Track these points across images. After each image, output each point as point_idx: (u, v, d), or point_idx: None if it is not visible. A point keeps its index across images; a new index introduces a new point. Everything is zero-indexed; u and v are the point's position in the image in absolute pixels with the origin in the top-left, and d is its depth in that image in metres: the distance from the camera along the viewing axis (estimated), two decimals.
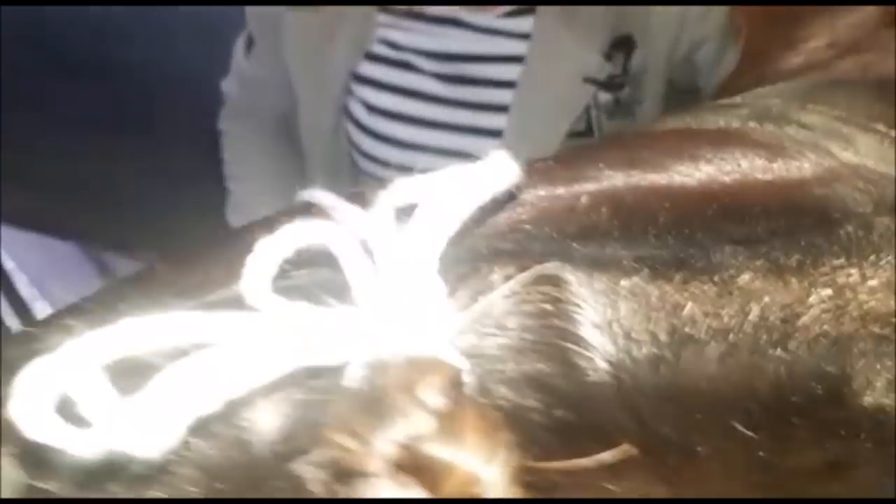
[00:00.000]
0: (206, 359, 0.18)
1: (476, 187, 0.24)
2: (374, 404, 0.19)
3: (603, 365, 0.23)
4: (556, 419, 0.22)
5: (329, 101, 0.97)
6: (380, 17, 0.92)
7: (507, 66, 0.92)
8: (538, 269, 0.23)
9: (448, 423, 0.18)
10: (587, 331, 0.23)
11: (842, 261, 0.24)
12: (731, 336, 0.23)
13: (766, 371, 0.23)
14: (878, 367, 0.23)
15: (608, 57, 0.90)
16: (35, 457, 0.18)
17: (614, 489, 0.23)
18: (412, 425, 0.18)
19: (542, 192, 0.29)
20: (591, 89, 0.90)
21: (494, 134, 0.92)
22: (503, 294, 0.22)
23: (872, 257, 0.25)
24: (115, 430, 0.17)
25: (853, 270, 0.24)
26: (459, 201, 0.24)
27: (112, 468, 0.18)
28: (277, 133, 1.05)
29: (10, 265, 1.07)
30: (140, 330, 0.18)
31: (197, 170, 1.07)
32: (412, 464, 0.18)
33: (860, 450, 0.24)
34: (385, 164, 0.95)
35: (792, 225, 0.26)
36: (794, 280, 0.24)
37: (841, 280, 0.24)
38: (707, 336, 0.23)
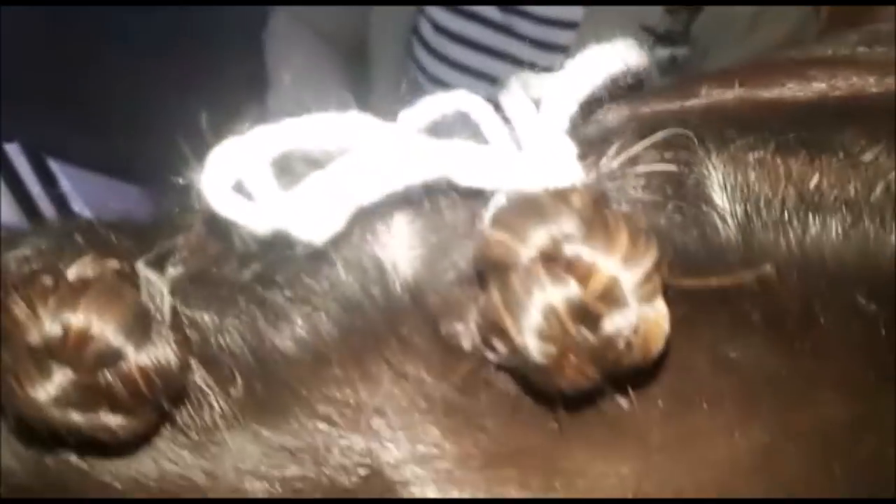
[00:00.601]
0: (362, 159, 0.19)
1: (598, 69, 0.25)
2: (527, 206, 0.19)
3: (731, 226, 0.23)
4: (684, 271, 0.22)
5: (402, 16, 0.98)
6: None
7: (568, 8, 0.92)
8: (668, 132, 0.23)
9: (596, 226, 0.19)
10: (717, 193, 0.23)
11: None
12: (856, 208, 0.23)
13: (891, 245, 0.23)
14: None
15: (670, 12, 0.89)
16: (216, 223, 0.19)
17: (734, 355, 0.23)
18: (563, 224, 0.19)
19: (654, 107, 0.29)
20: (648, 39, 0.88)
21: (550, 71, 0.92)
22: (634, 153, 0.23)
23: None
24: (283, 211, 0.18)
25: None
26: (586, 79, 0.25)
27: (278, 247, 0.19)
28: (331, 43, 1.05)
29: (78, 207, 1.08)
30: (304, 127, 0.19)
31: None
32: (561, 258, 0.19)
33: None
34: (446, 87, 0.94)
35: None
36: None
37: None
38: (834, 206, 0.23)
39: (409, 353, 0.21)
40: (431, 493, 0.21)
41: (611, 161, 0.23)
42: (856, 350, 0.23)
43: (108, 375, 0.20)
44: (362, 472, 0.21)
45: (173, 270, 0.22)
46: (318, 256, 0.21)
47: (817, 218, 0.23)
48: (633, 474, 0.22)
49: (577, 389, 0.20)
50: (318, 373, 0.21)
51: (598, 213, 0.19)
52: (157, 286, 0.21)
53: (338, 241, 0.20)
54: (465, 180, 0.20)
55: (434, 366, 0.21)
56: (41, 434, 0.20)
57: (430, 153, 0.19)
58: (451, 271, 0.21)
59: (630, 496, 0.22)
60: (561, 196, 0.19)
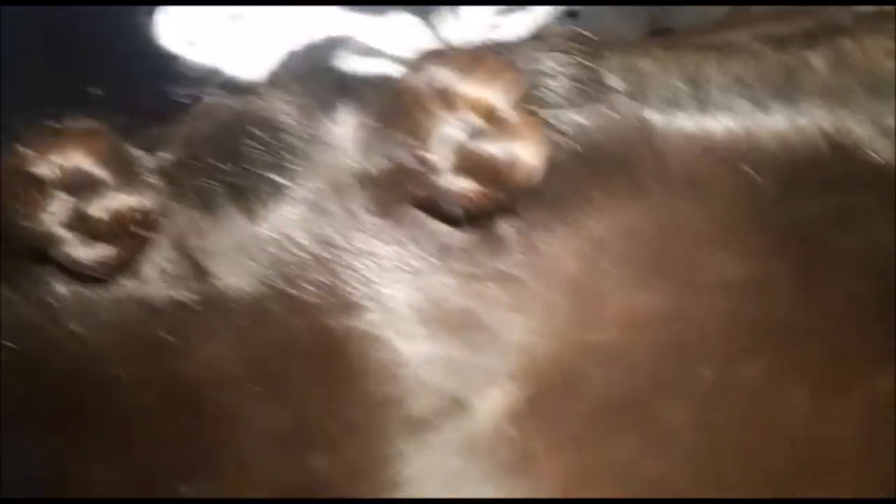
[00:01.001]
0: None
1: None
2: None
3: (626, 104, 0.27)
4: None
5: None
6: None
7: None
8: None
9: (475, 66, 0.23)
10: (612, 78, 0.27)
11: None
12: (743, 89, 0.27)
13: (771, 124, 0.27)
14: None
15: None
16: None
17: (631, 220, 0.27)
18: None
19: None
20: None
21: None
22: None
23: None
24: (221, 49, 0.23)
25: None
26: None
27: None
28: None
29: None
30: None
31: None
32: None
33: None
34: None
35: None
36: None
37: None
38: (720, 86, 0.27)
39: None
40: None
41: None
42: (746, 214, 0.27)
43: (97, 208, 0.24)
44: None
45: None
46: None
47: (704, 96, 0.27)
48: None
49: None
50: None
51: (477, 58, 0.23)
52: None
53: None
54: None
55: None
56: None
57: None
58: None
59: None
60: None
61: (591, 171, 0.26)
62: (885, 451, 0.28)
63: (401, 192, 0.25)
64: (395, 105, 0.24)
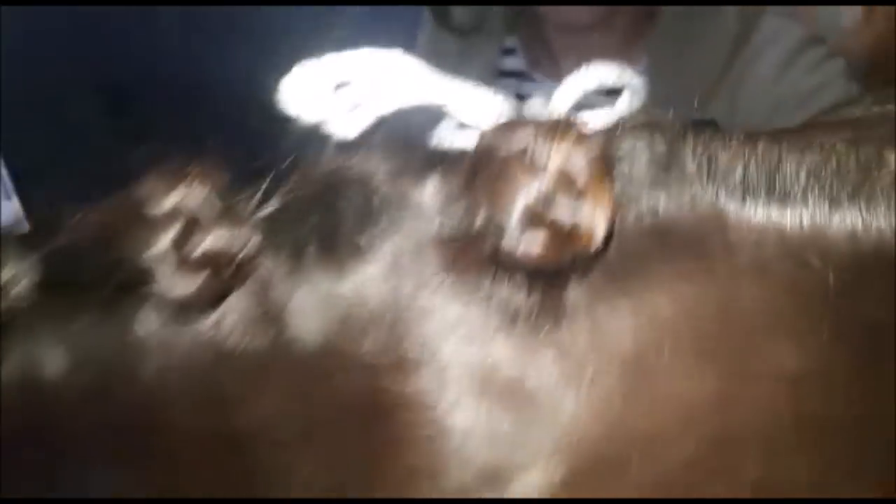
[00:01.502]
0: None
1: None
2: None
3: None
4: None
5: None
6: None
7: None
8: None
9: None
10: (689, 161, 0.28)
11: None
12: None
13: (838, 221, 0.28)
14: None
15: None
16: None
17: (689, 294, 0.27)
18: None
19: None
20: None
21: None
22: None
23: None
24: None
25: None
26: None
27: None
28: None
29: None
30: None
31: None
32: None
33: None
34: None
35: None
36: None
37: None
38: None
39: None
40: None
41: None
42: (810, 307, 0.27)
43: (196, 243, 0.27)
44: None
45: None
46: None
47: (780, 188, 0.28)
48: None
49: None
50: None
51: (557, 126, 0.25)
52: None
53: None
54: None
55: None
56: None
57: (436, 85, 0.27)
58: None
59: None
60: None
61: (661, 249, 0.27)
62: None
63: (475, 254, 0.26)
64: (477, 168, 0.26)
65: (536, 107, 0.29)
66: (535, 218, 0.25)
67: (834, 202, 0.28)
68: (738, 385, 0.27)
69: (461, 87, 0.27)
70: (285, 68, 0.26)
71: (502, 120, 0.26)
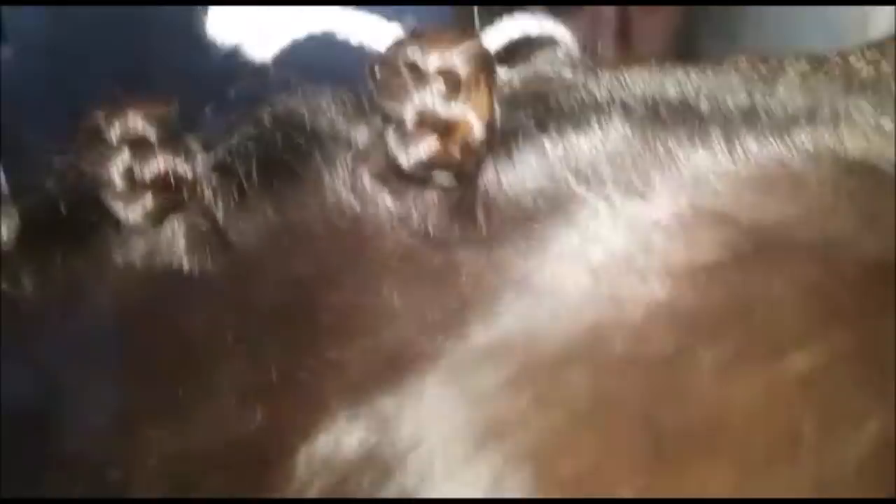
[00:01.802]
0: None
1: None
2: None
3: None
4: None
5: None
6: None
7: None
8: None
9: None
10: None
11: None
12: None
13: None
14: None
15: None
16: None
17: None
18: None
19: None
20: None
21: None
22: None
23: None
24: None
25: None
26: None
27: None
28: None
29: None
30: None
31: None
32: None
33: None
34: None
35: None
36: None
37: None
38: None
39: None
40: None
41: None
42: None
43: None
44: None
45: None
46: None
47: None
48: None
49: None
50: None
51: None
52: None
53: None
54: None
55: None
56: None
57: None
58: None
59: None
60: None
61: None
62: None
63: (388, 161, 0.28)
64: (375, 83, 0.28)
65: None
66: (422, 120, 0.27)
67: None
68: None
69: (363, 16, 0.30)
70: None
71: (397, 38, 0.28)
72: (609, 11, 0.87)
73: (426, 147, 0.27)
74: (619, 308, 0.27)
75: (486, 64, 0.27)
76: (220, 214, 0.30)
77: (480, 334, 0.27)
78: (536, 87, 0.29)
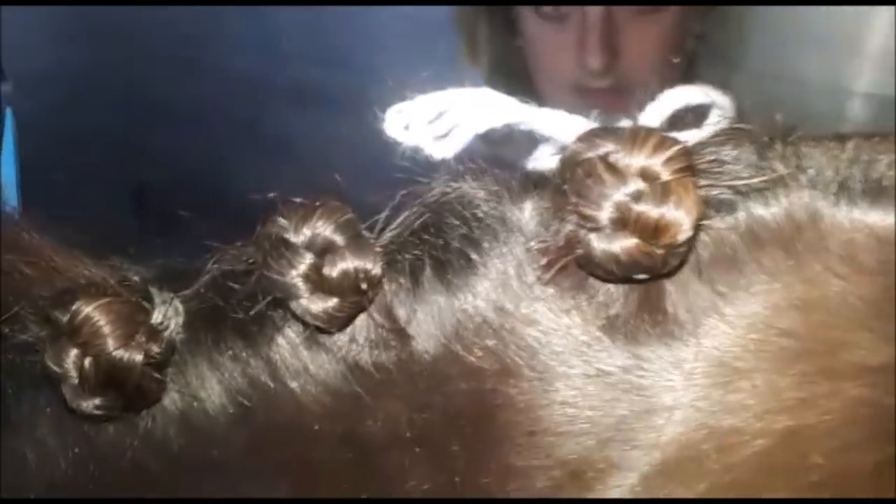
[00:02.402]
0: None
1: None
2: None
3: None
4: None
5: None
6: None
7: None
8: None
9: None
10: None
11: None
12: None
13: None
14: None
15: None
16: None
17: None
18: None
19: None
20: None
21: None
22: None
23: None
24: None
25: None
26: None
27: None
28: None
29: None
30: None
31: None
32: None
33: None
34: None
35: None
36: None
37: None
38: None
39: None
40: None
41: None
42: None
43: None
44: None
45: None
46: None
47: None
48: None
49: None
50: None
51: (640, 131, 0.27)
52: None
53: None
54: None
55: None
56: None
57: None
58: None
59: None
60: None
61: (754, 250, 0.28)
62: None
63: (570, 259, 0.28)
64: (564, 176, 0.28)
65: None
66: (621, 217, 0.26)
67: None
68: (820, 381, 0.27)
69: (543, 110, 0.30)
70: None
71: (586, 130, 0.28)
72: (595, 19, 0.86)
73: (629, 247, 0.26)
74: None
75: (690, 163, 0.27)
76: (399, 311, 0.30)
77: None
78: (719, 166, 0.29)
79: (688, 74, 0.99)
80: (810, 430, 0.27)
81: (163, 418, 0.33)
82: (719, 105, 0.33)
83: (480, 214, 0.30)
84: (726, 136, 0.30)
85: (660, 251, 0.26)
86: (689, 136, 0.32)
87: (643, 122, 0.31)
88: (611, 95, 0.89)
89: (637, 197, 0.26)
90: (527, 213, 0.30)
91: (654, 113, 0.31)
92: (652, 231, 0.26)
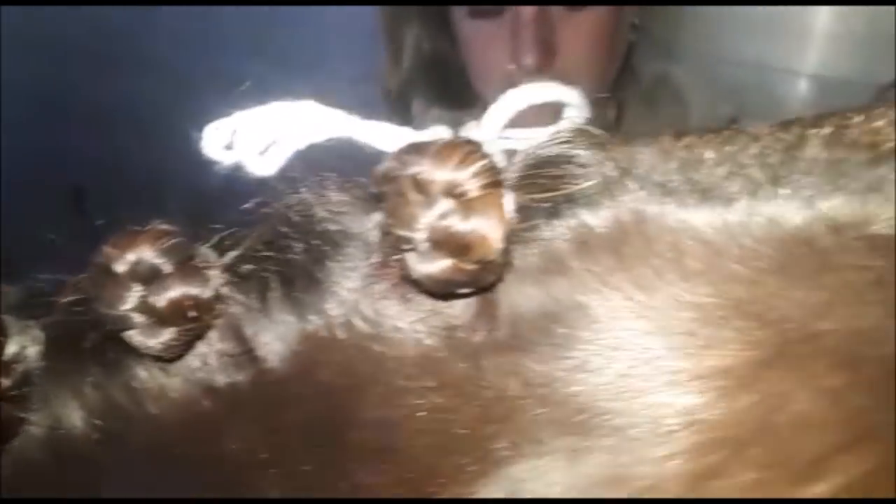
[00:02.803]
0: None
1: None
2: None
3: None
4: None
5: None
6: None
7: None
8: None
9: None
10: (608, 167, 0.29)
11: None
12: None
13: None
14: None
15: None
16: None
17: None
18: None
19: None
20: None
21: None
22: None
23: None
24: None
25: None
26: None
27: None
28: None
29: None
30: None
31: None
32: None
33: None
34: None
35: None
36: None
37: None
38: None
39: None
40: None
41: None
42: (733, 304, 0.27)
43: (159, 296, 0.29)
44: None
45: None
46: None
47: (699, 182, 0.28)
48: None
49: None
50: None
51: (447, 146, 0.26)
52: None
53: None
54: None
55: None
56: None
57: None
58: None
59: None
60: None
61: (582, 257, 0.28)
62: None
63: (402, 276, 0.28)
64: (379, 194, 0.27)
65: (469, 130, 0.31)
66: (432, 236, 0.26)
67: (757, 189, 0.27)
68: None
69: (368, 122, 0.29)
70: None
71: (399, 147, 0.27)
72: (529, 17, 0.86)
73: (443, 267, 0.26)
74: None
75: (495, 178, 0.26)
76: (248, 331, 0.30)
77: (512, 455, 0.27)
78: (544, 170, 0.29)
79: (626, 66, 0.98)
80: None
81: (29, 445, 0.33)
82: (572, 102, 0.33)
83: (322, 228, 0.30)
84: (564, 138, 0.29)
85: (472, 267, 0.26)
86: (537, 133, 0.32)
87: (490, 129, 0.30)
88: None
89: (444, 215, 0.26)
90: (372, 224, 0.29)
91: (497, 115, 0.31)
92: (462, 248, 0.26)
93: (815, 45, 0.96)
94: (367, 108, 0.30)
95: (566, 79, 0.89)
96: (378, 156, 0.31)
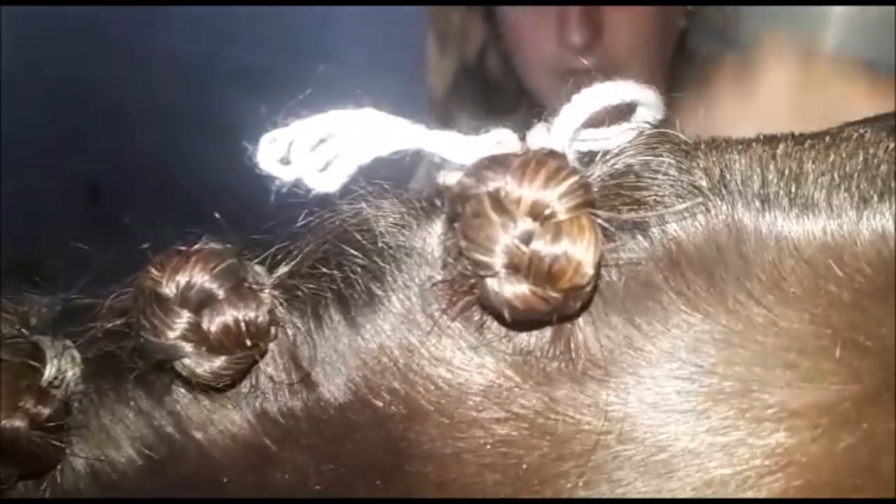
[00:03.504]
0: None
1: None
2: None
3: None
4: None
5: None
6: None
7: None
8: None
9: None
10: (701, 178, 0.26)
11: None
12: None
13: None
14: None
15: None
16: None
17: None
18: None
19: None
20: None
21: None
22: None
23: None
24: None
25: None
26: None
27: None
28: None
29: None
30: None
31: None
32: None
33: None
34: None
35: None
36: None
37: None
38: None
39: None
40: None
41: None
42: (830, 322, 0.24)
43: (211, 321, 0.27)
44: None
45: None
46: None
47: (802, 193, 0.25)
48: None
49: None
50: None
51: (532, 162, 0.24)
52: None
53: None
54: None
55: None
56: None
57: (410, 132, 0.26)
58: None
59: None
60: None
61: (672, 277, 0.25)
62: None
63: (471, 298, 0.25)
64: (453, 213, 0.25)
65: (539, 134, 0.28)
66: (512, 261, 0.24)
67: (864, 203, 0.25)
68: (737, 427, 0.25)
69: (435, 132, 0.27)
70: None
71: (476, 160, 0.25)
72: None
73: (524, 295, 0.24)
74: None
75: (588, 197, 0.24)
76: (303, 354, 0.27)
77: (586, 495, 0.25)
78: (627, 180, 0.26)
79: (679, 51, 0.95)
80: (725, 481, 0.24)
81: (71, 475, 0.31)
82: (646, 102, 0.30)
83: (381, 244, 0.28)
84: (644, 145, 0.27)
85: (556, 295, 0.23)
86: (611, 135, 0.29)
87: (544, 143, 0.28)
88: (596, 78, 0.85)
89: (527, 239, 0.23)
90: (433, 238, 0.27)
91: (570, 118, 0.28)
92: (549, 275, 0.23)
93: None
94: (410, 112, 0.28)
95: (615, 60, 0.90)
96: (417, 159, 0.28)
